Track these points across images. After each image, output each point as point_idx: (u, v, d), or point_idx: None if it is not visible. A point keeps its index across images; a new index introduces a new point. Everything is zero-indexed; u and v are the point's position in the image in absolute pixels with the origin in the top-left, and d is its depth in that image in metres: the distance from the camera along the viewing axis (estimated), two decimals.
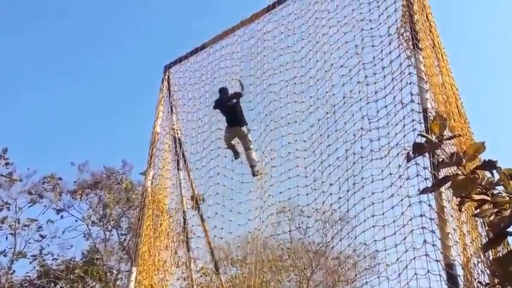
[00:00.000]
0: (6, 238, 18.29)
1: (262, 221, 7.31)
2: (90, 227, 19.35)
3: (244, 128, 8.25)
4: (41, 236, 18.81)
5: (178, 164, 8.82)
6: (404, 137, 5.55)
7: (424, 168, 4.96)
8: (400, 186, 5.43)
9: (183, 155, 8.89)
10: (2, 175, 18.11)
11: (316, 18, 7.27)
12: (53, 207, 19.15)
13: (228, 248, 12.35)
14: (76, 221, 19.46)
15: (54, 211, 19.22)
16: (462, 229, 4.96)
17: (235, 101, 8.32)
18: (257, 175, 7.87)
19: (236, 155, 8.32)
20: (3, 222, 18.26)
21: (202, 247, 8.90)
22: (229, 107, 8.35)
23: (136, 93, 32.92)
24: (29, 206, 18.78)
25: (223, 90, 8.49)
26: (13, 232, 18.27)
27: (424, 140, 2.62)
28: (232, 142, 8.35)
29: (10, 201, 18.41)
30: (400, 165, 5.44)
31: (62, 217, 19.27)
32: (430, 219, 4.87)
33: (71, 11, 34.67)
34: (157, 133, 8.53)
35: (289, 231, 14.80)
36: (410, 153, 2.58)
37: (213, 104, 8.55)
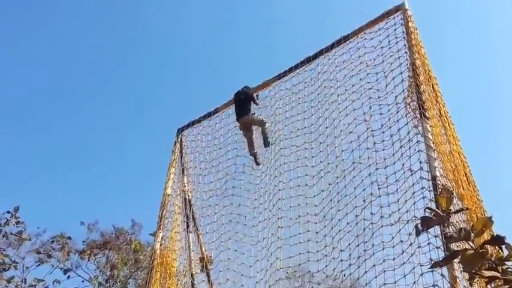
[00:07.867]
0: None
1: (270, 286, 7.16)
2: None
3: (249, 115, 8.55)
4: None
5: (188, 226, 8.77)
6: (414, 204, 5.54)
7: (435, 236, 4.92)
8: (412, 254, 5.36)
9: (193, 217, 8.87)
10: (12, 233, 18.09)
11: (325, 86, 7.52)
12: (61, 267, 18.94)
13: None
14: (83, 281, 19.15)
15: (61, 271, 18.99)
16: None
17: (243, 96, 8.65)
18: (269, 146, 8.22)
19: (257, 163, 8.42)
20: (10, 282, 17.99)
21: None
22: (240, 99, 8.68)
23: (148, 155, 33.41)
24: (37, 266, 18.61)
25: (245, 87, 8.83)
26: None
27: (431, 213, 2.65)
28: (255, 151, 8.45)
29: (18, 260, 18.28)
30: (410, 233, 5.40)
31: (68, 277, 18.99)
32: None
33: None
34: (168, 195, 8.56)
35: None
36: (419, 226, 2.61)
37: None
